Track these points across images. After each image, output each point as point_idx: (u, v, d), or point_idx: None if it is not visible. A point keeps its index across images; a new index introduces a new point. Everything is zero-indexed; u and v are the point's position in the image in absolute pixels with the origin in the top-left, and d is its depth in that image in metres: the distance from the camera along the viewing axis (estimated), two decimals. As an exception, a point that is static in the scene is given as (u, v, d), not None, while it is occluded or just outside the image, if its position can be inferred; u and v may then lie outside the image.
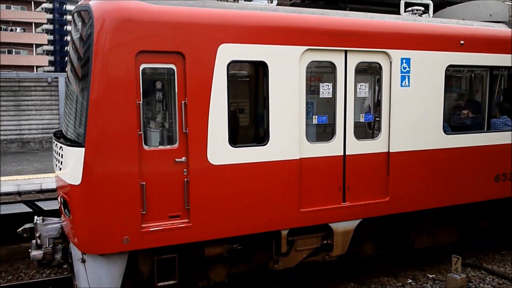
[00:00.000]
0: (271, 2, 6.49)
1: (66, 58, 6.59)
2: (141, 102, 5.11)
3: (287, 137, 5.89)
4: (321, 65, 6.20)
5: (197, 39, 5.32)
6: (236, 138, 5.71)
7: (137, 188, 5.16)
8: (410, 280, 7.54)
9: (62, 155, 5.44)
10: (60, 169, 5.52)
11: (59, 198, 6.10)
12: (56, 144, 5.79)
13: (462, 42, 6.98)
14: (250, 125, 6.11)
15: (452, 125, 7.41)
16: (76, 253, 5.50)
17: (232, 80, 5.56)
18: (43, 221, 6.18)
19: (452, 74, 7.19)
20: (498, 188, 7.60)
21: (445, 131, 7.01)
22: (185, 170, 5.39)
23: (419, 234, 7.61)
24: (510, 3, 8.20)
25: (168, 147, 5.38)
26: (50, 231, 6.16)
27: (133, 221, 5.20)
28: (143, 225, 5.25)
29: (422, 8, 7.57)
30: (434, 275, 7.70)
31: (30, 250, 6.30)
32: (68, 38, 6.86)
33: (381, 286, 7.35)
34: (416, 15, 7.49)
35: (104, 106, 4.98)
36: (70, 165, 5.21)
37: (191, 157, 5.39)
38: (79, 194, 5.10)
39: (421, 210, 7.03)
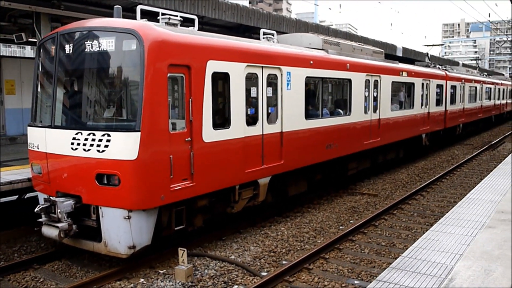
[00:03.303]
0: (194, 27, 9.32)
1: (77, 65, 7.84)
2: (169, 100, 7.38)
3: (239, 122, 8.92)
4: (251, 75, 9.39)
5: (197, 56, 7.87)
6: (215, 123, 8.40)
7: (168, 160, 7.40)
8: (142, 280, 7.51)
9: (104, 140, 7.13)
10: (101, 152, 7.16)
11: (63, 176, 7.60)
12: (81, 133, 7.35)
13: (311, 62, 11.25)
14: (221, 115, 8.81)
15: (307, 113, 11.60)
16: (117, 214, 7.25)
17: (213, 84, 8.25)
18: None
19: (308, 82, 11.36)
20: (328, 153, 12.26)
21: (305, 118, 11.15)
22: (190, 146, 7.85)
23: (291, 186, 11.60)
24: (322, 37, 13.00)
25: (181, 130, 7.75)
26: (67, 207, 7.53)
27: (166, 183, 7.42)
28: (171, 186, 7.50)
29: (272, 36, 11.58)
30: (164, 270, 7.88)
31: (40, 227, 7.55)
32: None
33: None
34: (270, 40, 11.44)
35: (153, 102, 7.09)
36: (122, 146, 7.04)
37: (194, 137, 7.89)
38: (134, 166, 7.01)
39: (294, 169, 10.98)
